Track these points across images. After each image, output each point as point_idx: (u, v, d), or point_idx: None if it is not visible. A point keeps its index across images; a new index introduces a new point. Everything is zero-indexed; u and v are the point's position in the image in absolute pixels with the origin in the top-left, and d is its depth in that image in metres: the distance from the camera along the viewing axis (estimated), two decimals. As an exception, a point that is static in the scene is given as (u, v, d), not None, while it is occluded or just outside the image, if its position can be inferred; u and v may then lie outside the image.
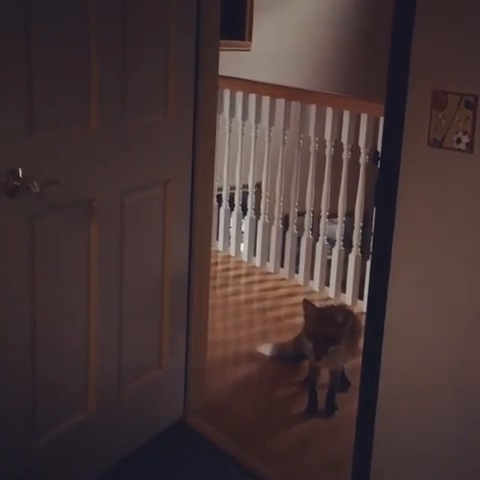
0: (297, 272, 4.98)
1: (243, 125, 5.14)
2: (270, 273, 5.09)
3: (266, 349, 3.85)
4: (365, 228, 4.63)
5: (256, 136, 5.07)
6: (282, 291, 4.83)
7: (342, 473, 2.69)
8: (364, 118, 4.37)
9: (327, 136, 4.62)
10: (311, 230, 4.89)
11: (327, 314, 3.27)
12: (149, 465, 2.95)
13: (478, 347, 2.15)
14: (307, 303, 3.27)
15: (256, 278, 5.06)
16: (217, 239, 5.40)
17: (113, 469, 2.85)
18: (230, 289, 4.92)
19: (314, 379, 3.39)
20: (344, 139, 4.52)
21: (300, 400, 3.41)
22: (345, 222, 4.63)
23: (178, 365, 3.14)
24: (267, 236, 5.11)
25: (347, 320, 3.17)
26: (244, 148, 5.16)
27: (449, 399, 2.25)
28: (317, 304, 3.38)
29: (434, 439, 2.31)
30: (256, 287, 4.96)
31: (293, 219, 4.94)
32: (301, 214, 4.94)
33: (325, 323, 3.17)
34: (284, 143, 4.89)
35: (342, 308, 3.34)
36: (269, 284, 4.96)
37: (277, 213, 5.03)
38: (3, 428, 2.42)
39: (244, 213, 5.32)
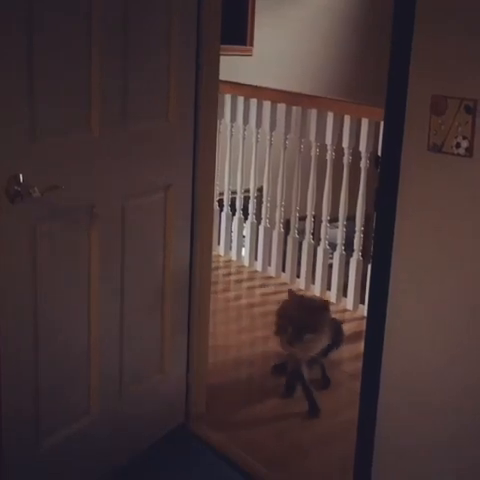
0: (298, 276, 4.99)
1: (244, 130, 5.15)
2: (271, 277, 5.09)
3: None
4: (366, 232, 4.64)
5: (257, 141, 5.08)
6: (283, 295, 4.78)
7: (345, 477, 2.69)
8: (365, 123, 4.38)
9: (328, 141, 4.62)
10: (312, 234, 4.89)
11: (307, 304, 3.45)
12: (150, 470, 2.95)
13: (478, 350, 2.15)
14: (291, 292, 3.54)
15: (257, 282, 5.07)
16: (218, 244, 5.41)
17: (114, 473, 2.85)
18: (231, 294, 4.92)
19: (300, 373, 3.43)
20: (345, 144, 4.52)
21: (303, 404, 3.40)
22: (346, 226, 4.64)
23: (180, 369, 3.15)
24: (268, 240, 5.12)
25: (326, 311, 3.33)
26: (245, 153, 5.17)
27: (450, 401, 2.25)
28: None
29: (436, 442, 2.31)
30: (257, 291, 4.96)
31: (294, 223, 4.95)
32: (302, 218, 4.95)
33: (304, 311, 3.33)
34: (285, 148, 4.90)
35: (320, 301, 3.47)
36: (270, 288, 4.96)
37: (278, 217, 5.04)
38: (7, 433, 2.42)
39: (245, 217, 5.32)
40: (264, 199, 5.14)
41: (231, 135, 5.23)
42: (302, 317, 3.29)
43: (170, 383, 3.11)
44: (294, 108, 4.82)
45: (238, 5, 6.97)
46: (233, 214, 5.38)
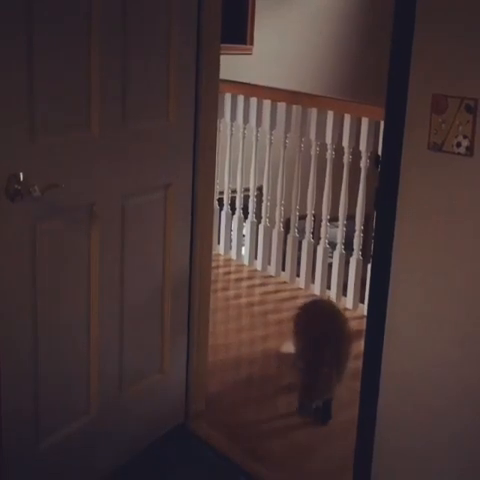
0: (298, 275, 4.99)
1: (244, 129, 5.15)
2: (271, 276, 5.09)
3: (289, 347, 3.75)
4: (366, 231, 4.64)
5: (257, 140, 5.07)
6: (283, 294, 4.84)
7: (344, 477, 2.69)
8: (365, 122, 4.38)
9: (328, 140, 4.62)
10: (312, 233, 4.89)
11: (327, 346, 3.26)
12: (150, 469, 2.95)
13: (478, 350, 2.15)
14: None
15: (257, 281, 5.07)
16: (218, 242, 5.41)
17: (114, 473, 2.85)
18: (231, 292, 4.92)
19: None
20: (345, 143, 4.52)
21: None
22: (346, 225, 4.64)
23: (179, 369, 3.15)
24: (268, 239, 5.12)
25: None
26: (245, 152, 5.17)
27: (450, 401, 2.25)
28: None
29: (435, 442, 2.31)
30: (257, 290, 4.96)
31: (294, 222, 4.95)
32: (302, 217, 4.94)
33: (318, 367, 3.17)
34: (285, 147, 4.90)
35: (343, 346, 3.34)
36: (270, 287, 4.97)
37: (278, 216, 5.04)
38: (7, 432, 2.42)
39: (245, 216, 5.32)
40: (264, 198, 5.14)
41: (231, 134, 5.23)
42: (311, 383, 3.17)
43: (170, 382, 3.10)
44: (294, 107, 4.81)
45: (238, 4, 6.96)
46: (233, 213, 5.38)
